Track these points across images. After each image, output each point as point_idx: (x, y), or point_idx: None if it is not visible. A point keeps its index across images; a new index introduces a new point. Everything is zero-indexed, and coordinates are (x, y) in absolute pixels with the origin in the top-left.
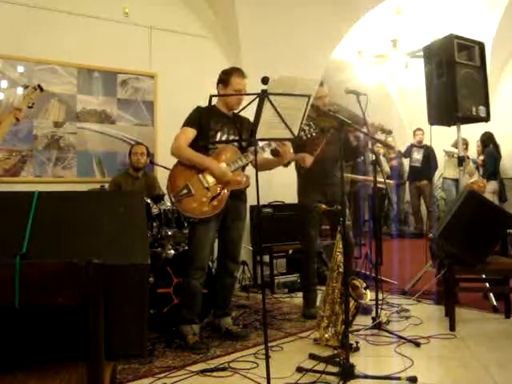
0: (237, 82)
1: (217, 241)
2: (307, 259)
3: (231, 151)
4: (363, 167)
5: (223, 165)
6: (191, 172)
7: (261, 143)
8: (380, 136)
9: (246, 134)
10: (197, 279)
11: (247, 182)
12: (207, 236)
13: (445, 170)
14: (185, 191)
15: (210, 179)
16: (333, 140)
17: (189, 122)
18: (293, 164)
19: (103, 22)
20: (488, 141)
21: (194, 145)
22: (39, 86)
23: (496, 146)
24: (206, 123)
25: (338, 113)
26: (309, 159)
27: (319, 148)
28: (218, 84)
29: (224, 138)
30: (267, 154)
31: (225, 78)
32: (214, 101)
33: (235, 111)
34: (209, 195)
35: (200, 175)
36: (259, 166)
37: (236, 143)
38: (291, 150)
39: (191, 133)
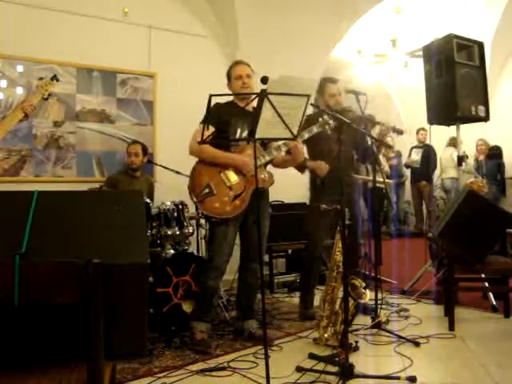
0: (234, 70)
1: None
2: (311, 260)
3: (252, 148)
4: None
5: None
6: (212, 170)
7: (279, 142)
8: (392, 136)
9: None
10: (213, 279)
11: (271, 179)
12: (227, 236)
13: (441, 172)
14: (206, 190)
15: (233, 178)
16: (347, 139)
17: (204, 119)
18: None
19: (103, 21)
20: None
21: (214, 142)
22: (55, 76)
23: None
24: (226, 119)
25: (347, 113)
26: (324, 168)
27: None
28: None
29: (244, 135)
30: (284, 152)
31: (228, 73)
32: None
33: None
34: (231, 194)
35: (222, 174)
36: (278, 165)
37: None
38: (303, 151)
39: (209, 130)
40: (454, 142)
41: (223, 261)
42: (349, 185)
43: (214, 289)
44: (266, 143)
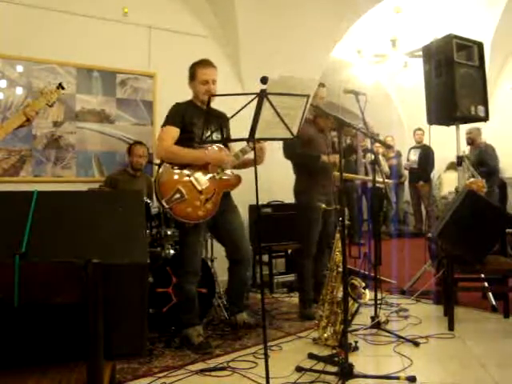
0: (202, 72)
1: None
2: (305, 259)
3: (221, 150)
4: (354, 166)
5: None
6: (181, 174)
7: (243, 144)
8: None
9: (226, 130)
10: (191, 283)
11: (239, 181)
12: (199, 239)
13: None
14: (177, 196)
15: (203, 181)
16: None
17: (171, 121)
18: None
19: (102, 21)
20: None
21: (180, 145)
22: (61, 84)
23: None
24: (189, 120)
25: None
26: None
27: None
28: (189, 80)
29: (214, 136)
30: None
31: (191, 71)
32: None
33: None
34: (202, 198)
35: (191, 178)
36: (243, 165)
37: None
38: (265, 151)
39: (176, 132)
40: (454, 166)
41: (198, 263)
42: (332, 184)
43: (193, 292)
44: (227, 145)
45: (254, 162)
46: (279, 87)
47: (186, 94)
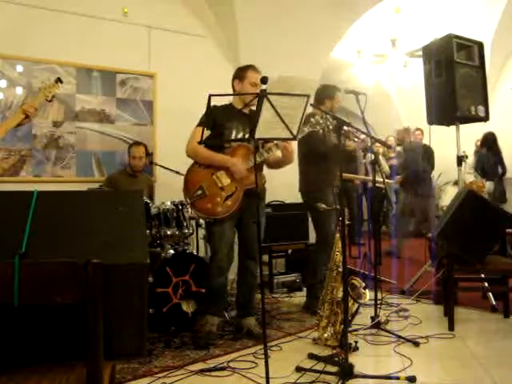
0: (253, 75)
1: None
2: (320, 253)
3: (245, 149)
4: (354, 166)
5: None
6: (206, 172)
7: (270, 144)
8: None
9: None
10: (216, 277)
11: (262, 181)
12: (223, 236)
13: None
14: (199, 192)
15: (225, 179)
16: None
17: (202, 122)
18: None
19: (102, 21)
20: (484, 142)
21: (209, 144)
22: (59, 78)
23: (491, 148)
24: (220, 122)
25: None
26: None
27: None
28: (233, 80)
29: (240, 136)
30: (279, 153)
31: (241, 73)
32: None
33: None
34: (223, 195)
35: (214, 176)
36: (273, 165)
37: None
38: (294, 150)
39: (200, 132)
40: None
41: (222, 259)
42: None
43: (220, 286)
44: (261, 144)
45: (255, 163)
46: (279, 87)
47: (186, 94)
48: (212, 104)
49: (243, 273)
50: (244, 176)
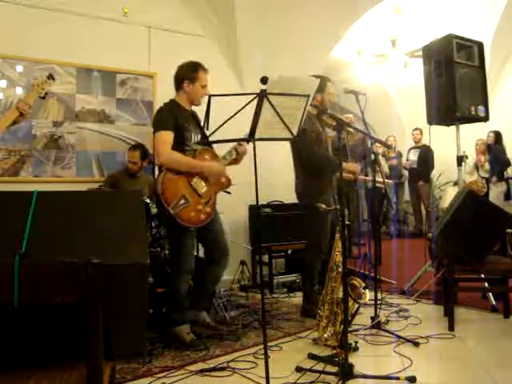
0: (204, 77)
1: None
2: (316, 257)
3: (209, 152)
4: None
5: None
6: (183, 180)
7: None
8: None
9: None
10: (185, 282)
11: (230, 182)
12: (193, 240)
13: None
14: (183, 201)
15: (202, 186)
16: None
17: (165, 125)
18: (291, 162)
19: (102, 21)
20: (497, 139)
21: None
22: (51, 75)
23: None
24: (181, 124)
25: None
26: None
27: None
28: (181, 80)
29: (194, 137)
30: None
31: (191, 73)
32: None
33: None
34: (202, 202)
35: (192, 183)
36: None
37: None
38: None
39: (170, 136)
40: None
41: (192, 263)
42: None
43: (185, 292)
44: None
45: (255, 163)
46: (279, 87)
47: None
48: (163, 104)
49: (216, 268)
50: (219, 180)
